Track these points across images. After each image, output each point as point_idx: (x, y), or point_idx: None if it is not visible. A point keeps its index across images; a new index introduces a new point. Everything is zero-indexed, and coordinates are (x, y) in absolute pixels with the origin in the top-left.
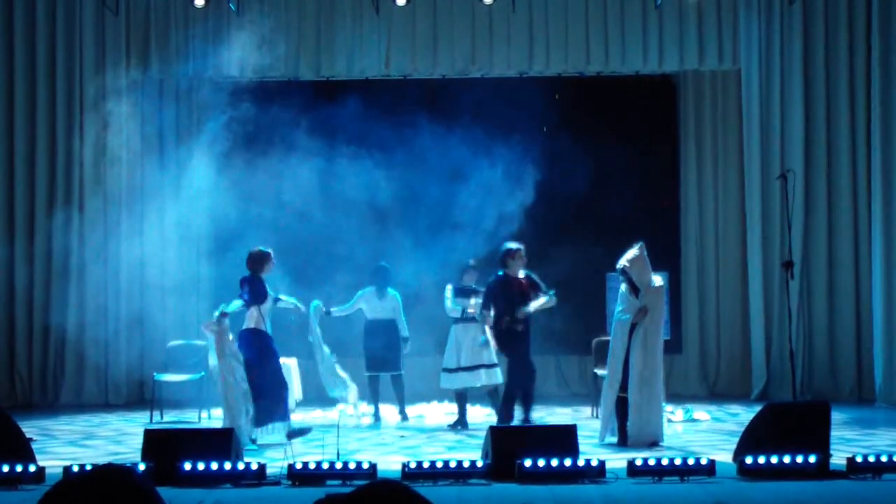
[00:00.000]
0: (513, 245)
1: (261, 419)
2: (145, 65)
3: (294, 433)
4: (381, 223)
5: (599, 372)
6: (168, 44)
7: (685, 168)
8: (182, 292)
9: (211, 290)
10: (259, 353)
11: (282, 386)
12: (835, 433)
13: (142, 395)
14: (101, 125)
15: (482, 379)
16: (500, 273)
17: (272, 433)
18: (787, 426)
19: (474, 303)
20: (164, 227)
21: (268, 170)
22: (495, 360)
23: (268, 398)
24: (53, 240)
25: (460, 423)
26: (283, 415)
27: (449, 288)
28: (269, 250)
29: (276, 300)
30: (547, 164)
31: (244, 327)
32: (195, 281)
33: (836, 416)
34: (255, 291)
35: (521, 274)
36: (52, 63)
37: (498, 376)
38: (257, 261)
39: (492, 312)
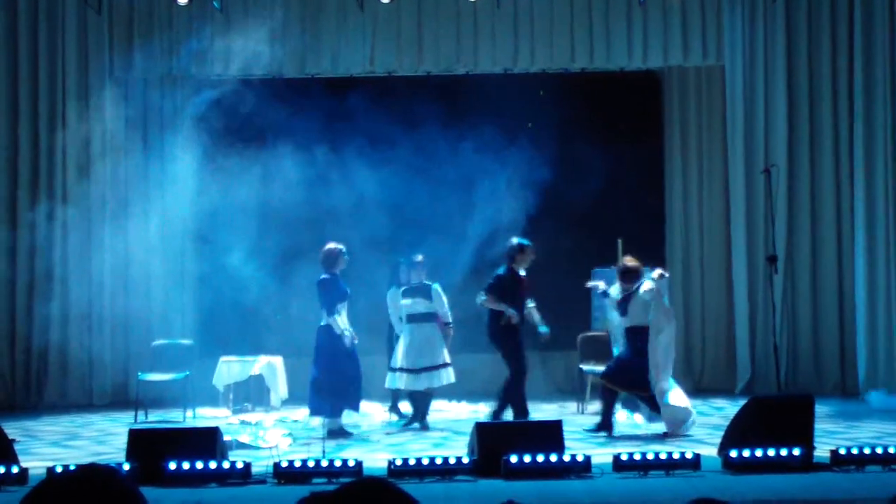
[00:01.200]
0: (524, 241)
1: (314, 408)
2: (128, 62)
3: (335, 432)
4: (365, 221)
5: (585, 367)
6: (151, 41)
7: (670, 163)
8: (167, 289)
9: (196, 286)
10: (327, 349)
11: (342, 383)
12: (819, 426)
13: (126, 395)
14: (85, 124)
15: (442, 379)
16: (507, 268)
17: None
18: (772, 420)
19: (425, 300)
20: (148, 223)
21: (252, 167)
22: (449, 360)
23: (324, 391)
24: (36, 237)
25: (420, 420)
26: (331, 410)
27: (400, 290)
28: (341, 246)
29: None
30: (531, 161)
31: (321, 323)
32: (180, 278)
33: (820, 409)
34: (329, 298)
35: (522, 272)
36: (34, 62)
37: (451, 376)
38: (330, 259)
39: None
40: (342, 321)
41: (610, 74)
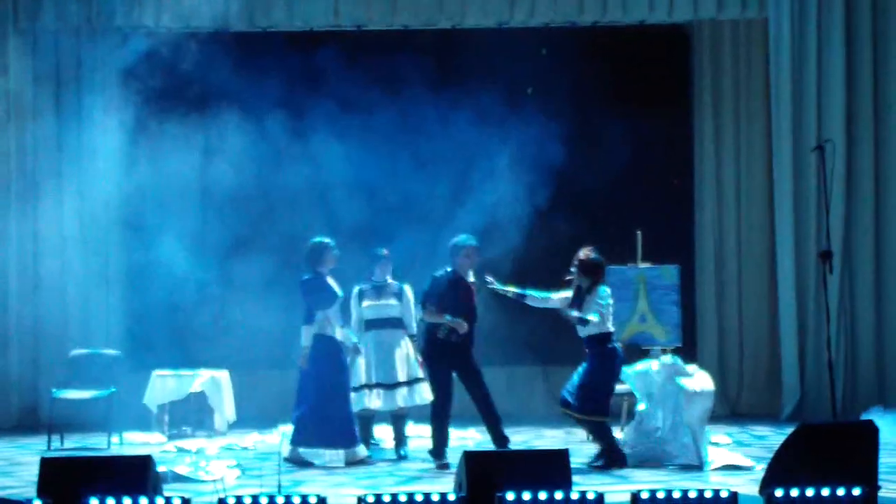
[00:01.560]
0: (469, 239)
1: (298, 437)
2: (36, 9)
3: (295, 460)
4: (324, 202)
5: None
6: None
7: (700, 138)
8: (87, 288)
9: (123, 285)
10: (317, 362)
11: (336, 405)
12: (884, 460)
13: (37, 417)
14: None
15: (423, 396)
16: (450, 270)
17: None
18: (826, 452)
19: (394, 303)
20: (63, 207)
21: (193, 138)
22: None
23: (311, 414)
24: None
25: (396, 447)
26: (332, 440)
27: (356, 291)
28: (329, 240)
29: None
30: (532, 134)
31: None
32: (103, 274)
33: (886, 438)
34: (310, 301)
35: (471, 277)
36: None
37: (428, 393)
38: (314, 255)
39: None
40: (332, 330)
41: (627, 29)
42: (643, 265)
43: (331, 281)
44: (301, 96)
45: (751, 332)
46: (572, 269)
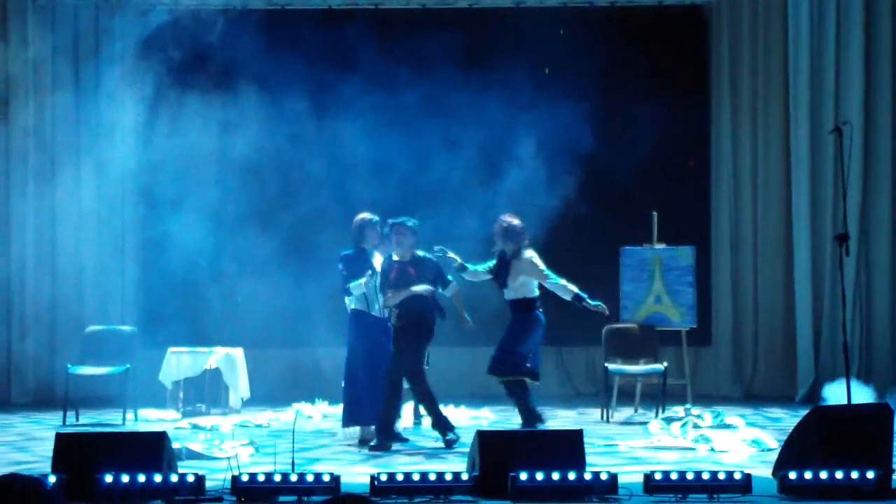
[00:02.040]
0: (400, 221)
1: (345, 417)
2: None
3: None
4: (340, 181)
5: (612, 367)
6: None
7: (717, 119)
8: (103, 264)
9: (139, 261)
10: (356, 339)
11: (358, 382)
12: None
13: (52, 393)
14: (0, 56)
15: None
16: (390, 255)
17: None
18: (840, 435)
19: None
20: (80, 181)
21: (211, 113)
22: None
23: (350, 394)
24: None
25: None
26: (351, 418)
27: None
28: (372, 216)
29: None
30: (548, 114)
31: (351, 307)
32: (119, 250)
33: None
34: (345, 274)
35: (408, 257)
36: None
37: None
38: (355, 231)
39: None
40: (369, 306)
41: (645, 9)
42: (659, 246)
43: (377, 258)
44: (318, 74)
45: (766, 314)
46: (497, 238)
